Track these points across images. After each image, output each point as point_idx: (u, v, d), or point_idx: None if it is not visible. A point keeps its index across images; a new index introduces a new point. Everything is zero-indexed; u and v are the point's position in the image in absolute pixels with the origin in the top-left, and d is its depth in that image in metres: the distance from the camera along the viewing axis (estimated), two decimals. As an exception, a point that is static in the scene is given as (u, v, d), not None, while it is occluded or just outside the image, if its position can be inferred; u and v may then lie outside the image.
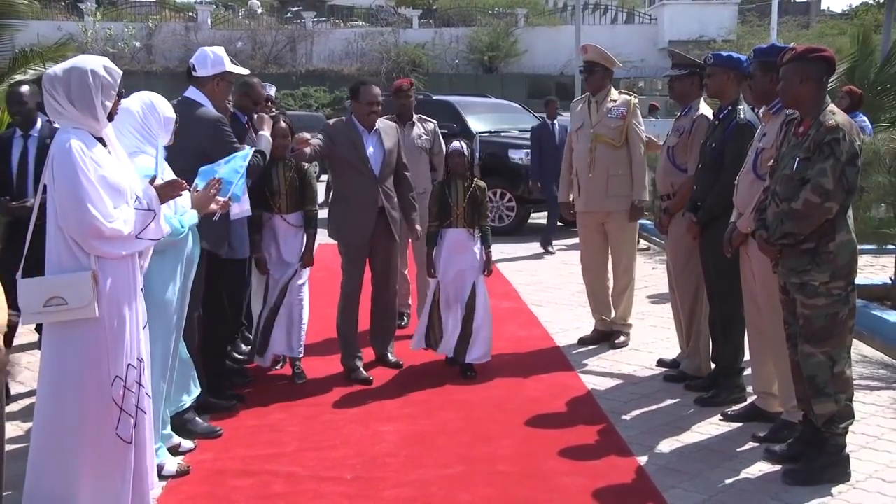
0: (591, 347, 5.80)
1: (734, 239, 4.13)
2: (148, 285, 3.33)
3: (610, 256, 5.92)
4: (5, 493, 3.42)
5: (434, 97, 12.54)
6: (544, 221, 10.33)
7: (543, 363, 5.44)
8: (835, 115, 3.55)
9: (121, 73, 3.10)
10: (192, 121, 4.09)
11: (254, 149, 4.20)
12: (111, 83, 3.02)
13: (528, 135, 11.74)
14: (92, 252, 2.92)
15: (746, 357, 4.63)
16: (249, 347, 5.16)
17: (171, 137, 3.61)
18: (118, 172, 3.01)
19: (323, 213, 5.06)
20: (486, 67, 30.05)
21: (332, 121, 5.53)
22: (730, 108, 4.60)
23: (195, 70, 4.31)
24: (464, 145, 5.17)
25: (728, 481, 3.68)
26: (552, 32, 30.38)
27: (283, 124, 4.79)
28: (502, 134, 11.85)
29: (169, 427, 3.89)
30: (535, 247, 10.14)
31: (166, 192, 3.18)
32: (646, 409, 4.59)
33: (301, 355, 5.07)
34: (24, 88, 5.00)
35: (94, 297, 2.89)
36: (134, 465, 3.10)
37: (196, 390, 4.07)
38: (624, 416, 4.48)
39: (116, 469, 3.03)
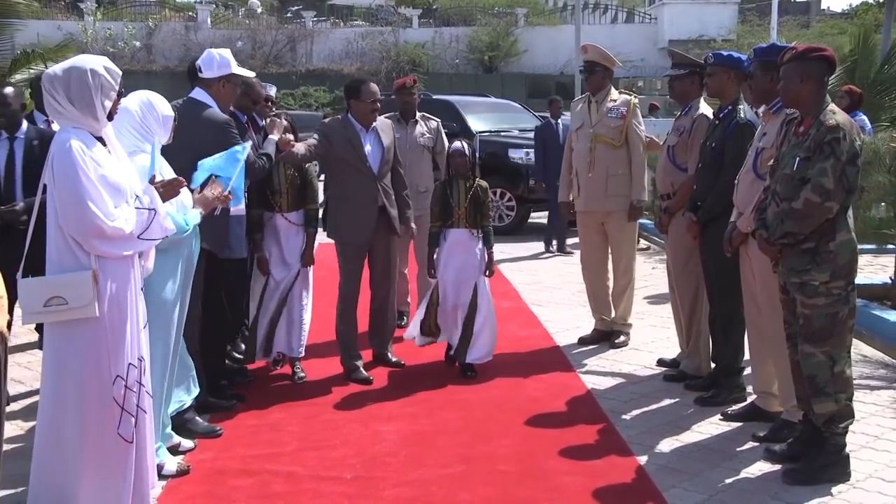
0: (591, 347, 5.80)
1: (734, 238, 4.13)
2: (148, 284, 3.33)
3: (610, 256, 5.91)
4: (6, 493, 3.43)
5: (434, 97, 12.54)
6: (544, 221, 10.32)
7: (543, 363, 5.44)
8: (835, 114, 3.55)
9: (120, 72, 3.10)
10: (199, 121, 4.09)
11: (250, 143, 4.20)
12: (111, 83, 3.02)
13: (528, 134, 11.76)
14: (92, 252, 2.92)
15: (746, 357, 4.63)
16: (245, 348, 5.10)
17: (169, 136, 3.61)
18: (118, 172, 3.01)
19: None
20: (486, 67, 30.05)
21: (327, 119, 5.51)
22: (730, 107, 4.60)
23: (201, 71, 4.31)
24: (465, 145, 5.14)
25: (728, 481, 3.68)
26: (552, 32, 30.38)
27: (284, 123, 4.78)
28: (502, 133, 11.85)
29: (169, 426, 3.89)
30: (535, 246, 10.14)
31: (167, 192, 3.18)
32: (646, 409, 4.59)
33: (301, 355, 5.06)
34: (9, 90, 4.89)
35: (95, 296, 2.89)
36: (136, 465, 3.10)
37: (196, 390, 4.07)
38: (624, 416, 4.47)
39: (118, 468, 3.03)
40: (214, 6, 31.46)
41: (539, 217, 11.74)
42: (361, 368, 5.11)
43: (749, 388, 4.59)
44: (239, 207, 4.38)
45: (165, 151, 3.53)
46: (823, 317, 3.57)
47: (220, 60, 4.31)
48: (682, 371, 5.07)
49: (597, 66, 5.69)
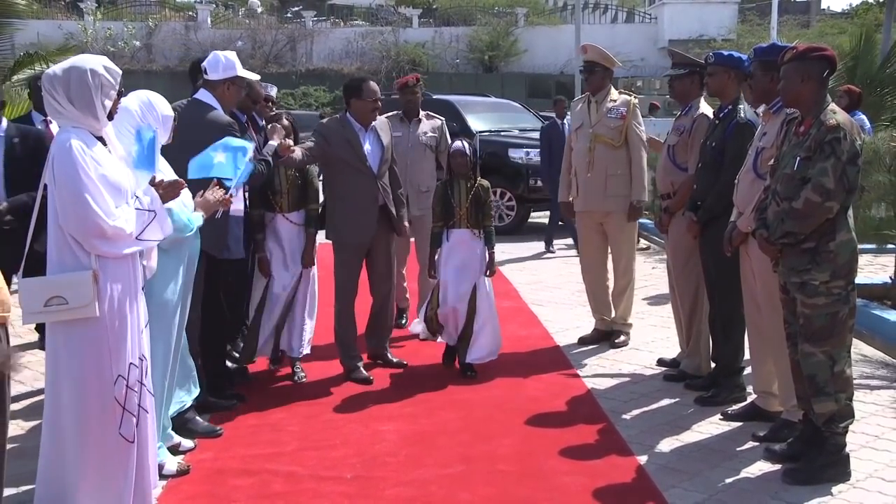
0: (591, 347, 5.80)
1: (734, 238, 4.13)
2: (150, 285, 3.33)
3: (609, 256, 5.91)
4: (9, 493, 3.43)
5: (434, 96, 12.54)
6: (544, 221, 10.33)
7: (543, 362, 5.44)
8: (836, 114, 3.55)
9: (120, 72, 3.10)
10: (203, 123, 4.09)
11: (253, 144, 4.20)
12: (111, 82, 3.02)
13: (528, 134, 11.78)
14: (93, 251, 2.92)
15: (746, 356, 4.63)
16: (243, 347, 5.06)
17: (169, 136, 3.61)
18: (119, 171, 3.01)
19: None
20: (486, 67, 30.04)
21: (325, 120, 5.50)
22: (730, 107, 4.60)
23: (206, 73, 4.32)
24: (466, 145, 5.10)
25: (728, 480, 3.68)
26: (552, 32, 30.37)
27: (285, 122, 4.78)
28: (502, 133, 11.85)
29: (170, 426, 3.89)
30: (535, 246, 10.14)
31: (167, 193, 3.18)
32: (646, 409, 4.59)
33: (301, 355, 5.06)
34: None
35: (95, 296, 2.89)
36: (137, 464, 3.10)
37: (196, 390, 4.07)
38: (624, 416, 4.47)
39: (119, 468, 3.04)
40: (214, 6, 31.44)
41: (538, 217, 11.75)
42: (361, 368, 5.10)
43: (749, 388, 4.59)
44: (238, 208, 4.39)
45: (166, 151, 3.53)
46: (823, 316, 3.57)
47: (225, 63, 4.31)
48: (682, 371, 5.07)
49: (596, 66, 5.69)
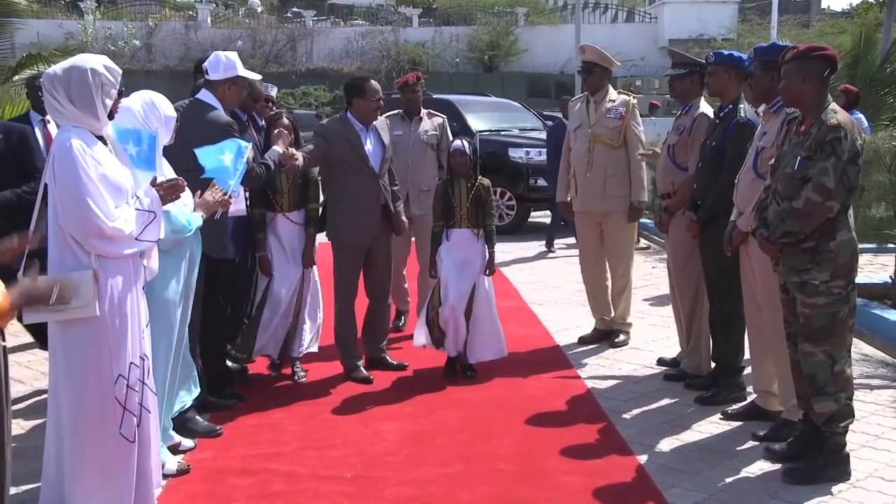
0: (591, 346, 5.80)
1: (734, 238, 4.13)
2: (151, 285, 3.33)
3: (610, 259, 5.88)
4: (10, 493, 3.42)
5: (434, 96, 12.54)
6: (544, 220, 10.32)
7: (543, 362, 5.44)
8: (836, 113, 3.55)
9: (120, 71, 3.10)
10: (203, 123, 4.10)
11: (251, 144, 4.20)
12: (111, 82, 3.02)
13: (528, 134, 11.78)
14: (92, 251, 2.93)
15: (746, 356, 4.63)
16: (241, 344, 5.04)
17: (171, 137, 3.61)
18: (119, 171, 3.01)
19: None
20: (487, 66, 30.02)
21: (325, 121, 5.48)
22: (730, 106, 4.60)
23: (207, 73, 4.33)
24: (465, 144, 5.07)
25: (728, 480, 3.68)
26: (552, 31, 30.35)
27: (285, 121, 4.78)
28: (502, 133, 11.86)
29: (171, 426, 3.89)
30: (535, 246, 10.14)
31: (167, 193, 3.18)
32: (646, 408, 4.59)
33: (300, 355, 5.05)
34: None
35: (95, 295, 2.89)
36: (138, 464, 3.10)
37: (196, 390, 4.07)
38: (624, 415, 4.47)
39: (120, 468, 3.04)
40: (214, 5, 31.42)
41: (539, 217, 11.75)
42: (361, 368, 5.10)
43: (749, 388, 4.59)
44: (239, 208, 4.39)
45: (167, 152, 3.54)
46: (824, 316, 3.57)
47: (226, 63, 4.32)
48: (682, 370, 5.07)
49: (595, 66, 5.68)
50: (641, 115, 5.85)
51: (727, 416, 4.39)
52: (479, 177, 5.14)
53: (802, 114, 3.67)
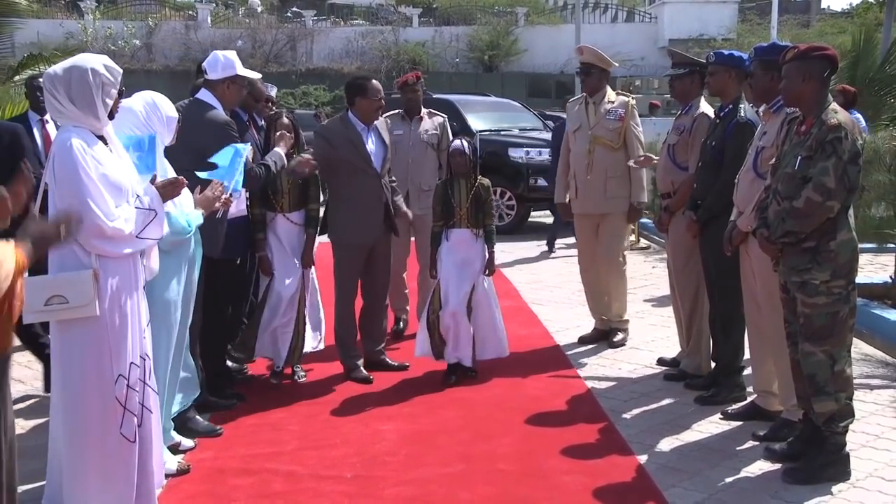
0: (591, 346, 5.80)
1: (734, 237, 4.13)
2: (152, 285, 3.33)
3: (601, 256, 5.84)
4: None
5: (434, 96, 12.55)
6: (544, 220, 10.32)
7: (543, 362, 5.45)
8: (837, 113, 3.55)
9: (121, 71, 3.11)
10: (201, 122, 4.11)
11: (249, 144, 4.21)
12: (111, 81, 3.02)
13: (528, 133, 11.79)
14: (93, 251, 2.93)
15: (746, 356, 4.63)
16: (243, 344, 5.04)
17: (173, 137, 3.61)
18: (119, 171, 3.02)
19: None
20: (487, 66, 30.02)
21: (325, 122, 5.48)
22: (731, 106, 4.60)
23: (206, 73, 4.33)
24: (465, 144, 5.04)
25: (728, 480, 3.68)
26: (552, 31, 30.36)
27: (285, 120, 4.77)
28: (502, 133, 11.86)
29: (171, 426, 3.89)
30: (535, 245, 10.14)
31: (167, 191, 3.18)
32: (646, 408, 4.59)
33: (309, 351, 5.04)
34: None
35: (95, 295, 2.90)
36: (140, 464, 3.10)
37: (196, 390, 4.07)
38: (624, 415, 4.47)
39: (120, 468, 3.04)
40: (214, 5, 31.42)
41: (539, 216, 11.75)
42: (361, 367, 5.10)
43: (749, 388, 4.59)
44: (240, 208, 4.40)
45: (168, 152, 3.54)
46: (824, 316, 3.57)
47: (224, 62, 4.32)
48: (682, 370, 5.07)
49: (593, 67, 5.66)
50: (641, 115, 5.83)
51: (727, 416, 4.39)
52: (479, 177, 5.13)
53: (803, 113, 3.67)
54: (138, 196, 3.07)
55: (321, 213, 5.04)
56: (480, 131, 11.42)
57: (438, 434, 4.23)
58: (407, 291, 6.26)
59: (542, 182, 10.65)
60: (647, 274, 8.28)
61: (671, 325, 5.47)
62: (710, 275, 4.69)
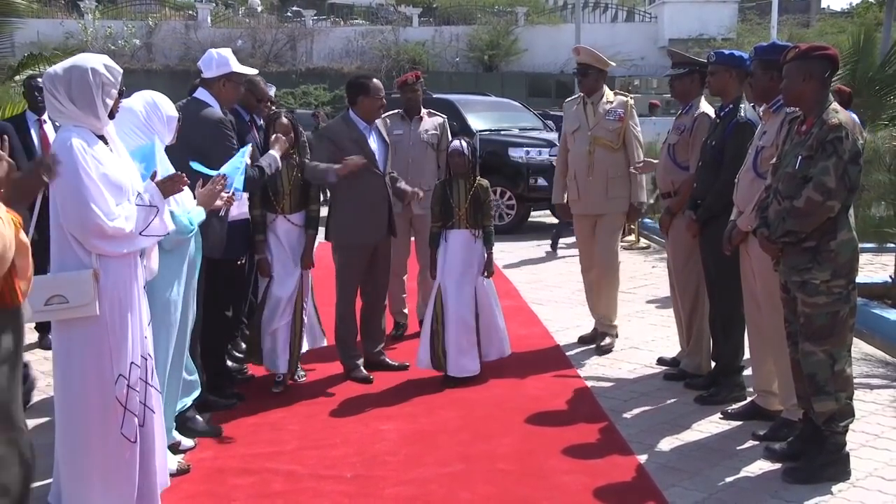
0: (591, 346, 5.80)
1: (734, 237, 4.13)
2: (152, 284, 3.33)
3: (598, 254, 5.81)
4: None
5: (434, 95, 12.55)
6: (544, 220, 10.32)
7: (543, 362, 5.45)
8: (837, 113, 3.55)
9: (121, 70, 3.11)
10: (197, 120, 4.13)
11: (250, 145, 4.21)
12: (112, 81, 3.02)
13: (528, 133, 11.78)
14: (93, 250, 2.93)
15: (746, 355, 4.63)
16: (246, 347, 5.04)
17: (173, 137, 3.62)
18: (120, 170, 3.02)
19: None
20: (487, 66, 30.01)
21: (325, 124, 5.47)
22: (731, 106, 4.60)
23: (202, 72, 4.34)
24: (464, 144, 5.03)
25: (728, 479, 3.68)
26: (552, 31, 30.35)
27: (284, 121, 4.77)
28: (502, 132, 11.86)
29: (173, 426, 3.89)
30: (535, 245, 10.14)
31: (168, 188, 3.18)
32: (646, 408, 4.59)
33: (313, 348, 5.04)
34: None
35: (95, 295, 2.90)
36: (142, 463, 3.10)
37: (196, 389, 4.07)
38: (624, 415, 4.48)
39: (122, 468, 3.04)
40: (214, 5, 31.40)
41: (539, 217, 11.75)
42: (361, 367, 5.09)
43: (749, 387, 4.59)
44: (242, 210, 4.41)
45: (167, 151, 3.54)
46: (824, 315, 3.57)
47: (218, 59, 4.34)
48: (682, 370, 5.07)
49: (590, 68, 5.65)
50: (641, 115, 5.83)
51: (727, 416, 4.39)
52: (478, 177, 5.12)
53: (803, 113, 3.67)
54: (139, 193, 3.07)
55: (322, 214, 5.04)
56: (480, 131, 11.43)
57: (438, 434, 4.23)
58: (405, 296, 6.20)
59: (542, 182, 10.66)
60: (647, 274, 8.28)
61: (671, 324, 5.47)
62: (710, 274, 4.69)
